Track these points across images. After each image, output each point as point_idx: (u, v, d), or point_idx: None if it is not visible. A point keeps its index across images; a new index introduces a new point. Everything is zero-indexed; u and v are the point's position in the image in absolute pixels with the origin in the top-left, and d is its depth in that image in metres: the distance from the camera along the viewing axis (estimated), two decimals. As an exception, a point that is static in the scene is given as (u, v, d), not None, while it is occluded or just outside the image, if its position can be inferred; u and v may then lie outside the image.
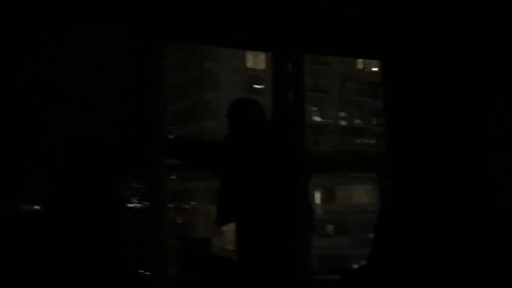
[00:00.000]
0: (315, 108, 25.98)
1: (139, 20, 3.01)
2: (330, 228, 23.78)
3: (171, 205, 23.96)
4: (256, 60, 25.39)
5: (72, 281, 2.49)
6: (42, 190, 2.60)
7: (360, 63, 27.70)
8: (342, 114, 27.69)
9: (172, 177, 23.95)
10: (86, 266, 2.38)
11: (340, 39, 3.84)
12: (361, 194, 24.86)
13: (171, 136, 2.85)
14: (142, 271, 3.00)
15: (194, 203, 24.67)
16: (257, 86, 25.32)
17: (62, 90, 2.74)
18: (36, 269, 2.38)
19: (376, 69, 26.46)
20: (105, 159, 2.50)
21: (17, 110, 2.64)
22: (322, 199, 24.03)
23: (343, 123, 27.58)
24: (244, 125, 2.72)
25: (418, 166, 3.84)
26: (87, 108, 2.78)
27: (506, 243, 3.10)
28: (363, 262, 3.38)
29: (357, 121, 27.81)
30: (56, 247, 2.30)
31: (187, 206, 24.96)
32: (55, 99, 2.73)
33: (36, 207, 2.72)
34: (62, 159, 2.64)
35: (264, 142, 2.69)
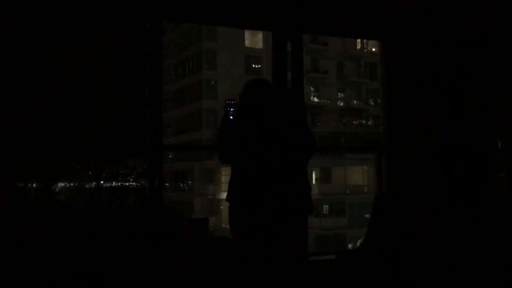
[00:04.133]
0: (313, 89, 25.92)
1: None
2: (325, 208, 23.96)
3: (167, 184, 24.09)
4: (253, 39, 25.19)
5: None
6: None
7: (359, 43, 27.52)
8: (341, 95, 27.62)
9: (169, 156, 24.03)
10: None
11: (340, 20, 3.80)
12: (358, 175, 25.00)
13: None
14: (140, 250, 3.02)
15: (190, 182, 24.79)
16: (255, 66, 25.18)
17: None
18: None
19: (375, 49, 26.32)
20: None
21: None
22: (318, 179, 24.16)
23: (341, 104, 27.53)
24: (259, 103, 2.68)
25: (415, 149, 3.85)
26: (88, 88, 2.76)
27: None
28: (358, 243, 3.41)
29: (355, 102, 27.77)
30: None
31: (185, 186, 25.08)
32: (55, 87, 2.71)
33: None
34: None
35: (274, 113, 2.66)
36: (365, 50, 27.84)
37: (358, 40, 26.41)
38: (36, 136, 2.76)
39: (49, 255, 2.46)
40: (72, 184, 3.04)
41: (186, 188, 25.18)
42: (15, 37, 2.69)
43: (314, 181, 23.34)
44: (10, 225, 2.58)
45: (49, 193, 2.85)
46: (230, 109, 2.66)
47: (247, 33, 24.67)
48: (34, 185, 2.90)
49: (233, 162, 2.72)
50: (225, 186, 2.88)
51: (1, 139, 2.69)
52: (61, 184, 2.97)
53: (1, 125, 2.68)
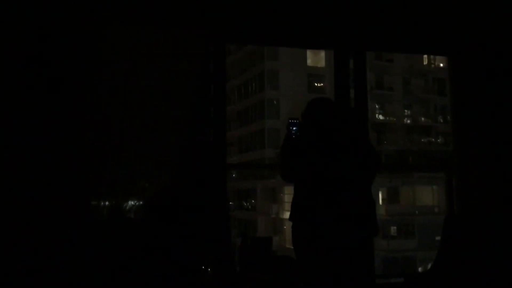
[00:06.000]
0: (378, 106, 25.36)
1: (202, 22, 3.09)
2: (393, 229, 23.11)
3: (231, 203, 24.39)
4: (315, 58, 25.21)
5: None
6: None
7: (425, 59, 26.66)
8: (407, 112, 26.78)
9: (232, 175, 24.39)
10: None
11: (405, 36, 3.72)
12: (427, 195, 23.95)
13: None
14: (206, 267, 3.08)
15: (254, 201, 24.96)
16: (317, 84, 25.13)
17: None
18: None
19: (443, 65, 25.36)
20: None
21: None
22: (385, 199, 23.40)
23: (408, 121, 26.67)
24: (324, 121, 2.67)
25: (487, 166, 3.64)
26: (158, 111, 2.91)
27: None
28: (428, 265, 3.26)
29: (423, 119, 26.79)
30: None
31: (248, 205, 25.28)
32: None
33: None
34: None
35: (336, 136, 2.65)
36: (432, 65, 26.91)
37: (425, 56, 25.61)
38: (108, 157, 2.92)
39: (118, 268, 2.56)
40: (141, 202, 3.17)
41: (250, 206, 25.34)
42: (85, 61, 2.88)
43: (380, 201, 22.63)
44: (84, 240, 2.73)
45: (120, 211, 3.00)
46: (292, 128, 2.67)
47: (309, 52, 24.74)
48: (106, 203, 3.06)
49: (296, 180, 2.72)
50: (288, 206, 2.88)
51: (78, 161, 2.87)
52: (131, 202, 3.11)
53: (77, 150, 2.86)
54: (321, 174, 2.61)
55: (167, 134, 2.92)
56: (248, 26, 3.36)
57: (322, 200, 2.59)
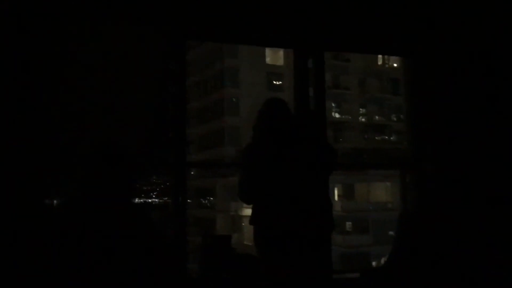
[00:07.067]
0: (334, 105, 25.84)
1: (162, 18, 3.05)
2: (348, 225, 23.65)
3: (190, 201, 24.16)
4: (274, 56, 25.35)
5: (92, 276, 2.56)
6: (66, 189, 2.69)
7: (380, 59, 27.39)
8: (363, 110, 27.43)
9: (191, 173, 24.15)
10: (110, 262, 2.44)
11: (362, 36, 3.81)
12: (381, 191, 24.65)
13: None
14: (164, 267, 3.04)
15: (212, 199, 24.85)
16: (276, 82, 25.30)
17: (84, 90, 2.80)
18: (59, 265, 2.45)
19: (396, 65, 26.15)
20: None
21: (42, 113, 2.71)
22: (341, 195, 23.90)
23: (363, 119, 27.34)
24: (278, 122, 2.70)
25: (441, 164, 3.79)
26: (109, 106, 2.83)
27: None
28: (383, 261, 3.36)
29: (377, 118, 27.53)
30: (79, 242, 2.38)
31: (207, 202, 25.14)
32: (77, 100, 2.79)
33: (59, 204, 2.80)
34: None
35: (292, 137, 2.68)
36: (387, 65, 27.69)
37: (380, 56, 26.31)
38: (63, 154, 2.83)
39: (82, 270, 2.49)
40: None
41: (208, 204, 25.21)
42: (43, 57, 2.78)
43: (336, 198, 23.09)
44: (39, 239, 2.63)
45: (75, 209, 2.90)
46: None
47: (268, 50, 24.86)
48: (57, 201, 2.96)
49: (255, 201, 2.69)
50: (247, 203, 2.87)
51: (31, 159, 2.77)
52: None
53: (30, 147, 2.76)
54: (280, 175, 2.63)
55: (125, 131, 2.86)
56: (209, 23, 3.34)
57: (281, 200, 2.62)
